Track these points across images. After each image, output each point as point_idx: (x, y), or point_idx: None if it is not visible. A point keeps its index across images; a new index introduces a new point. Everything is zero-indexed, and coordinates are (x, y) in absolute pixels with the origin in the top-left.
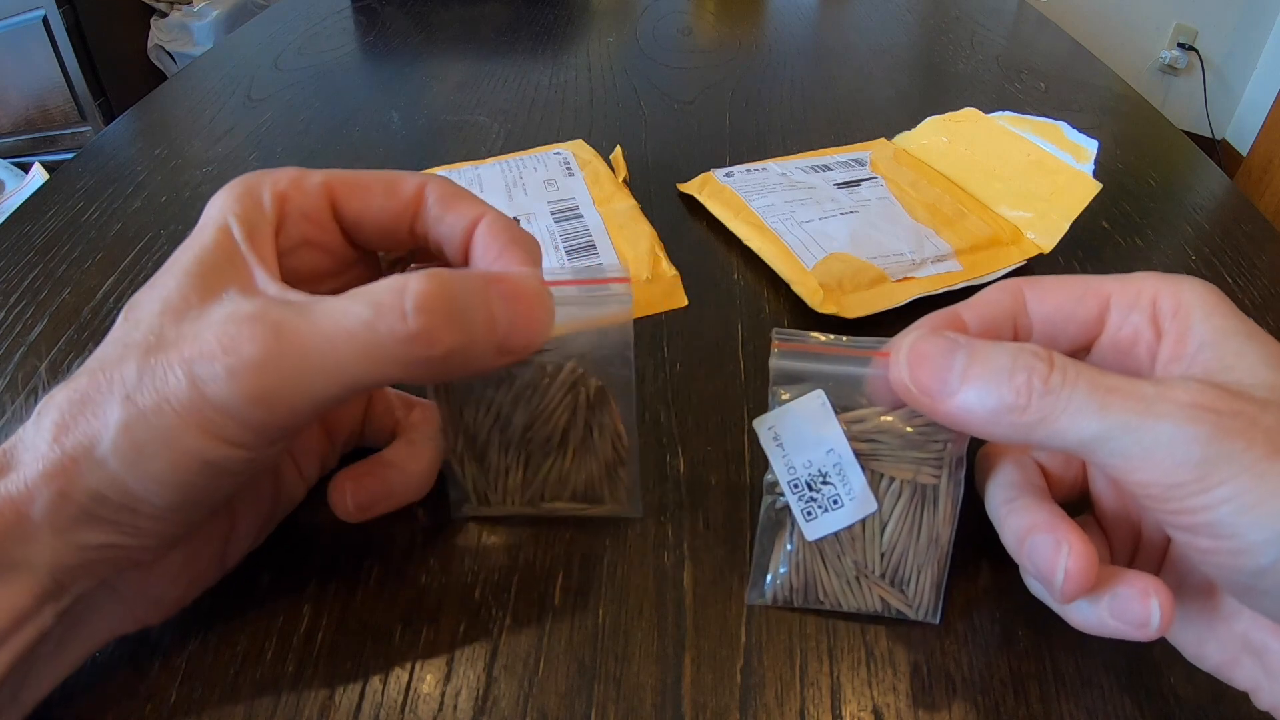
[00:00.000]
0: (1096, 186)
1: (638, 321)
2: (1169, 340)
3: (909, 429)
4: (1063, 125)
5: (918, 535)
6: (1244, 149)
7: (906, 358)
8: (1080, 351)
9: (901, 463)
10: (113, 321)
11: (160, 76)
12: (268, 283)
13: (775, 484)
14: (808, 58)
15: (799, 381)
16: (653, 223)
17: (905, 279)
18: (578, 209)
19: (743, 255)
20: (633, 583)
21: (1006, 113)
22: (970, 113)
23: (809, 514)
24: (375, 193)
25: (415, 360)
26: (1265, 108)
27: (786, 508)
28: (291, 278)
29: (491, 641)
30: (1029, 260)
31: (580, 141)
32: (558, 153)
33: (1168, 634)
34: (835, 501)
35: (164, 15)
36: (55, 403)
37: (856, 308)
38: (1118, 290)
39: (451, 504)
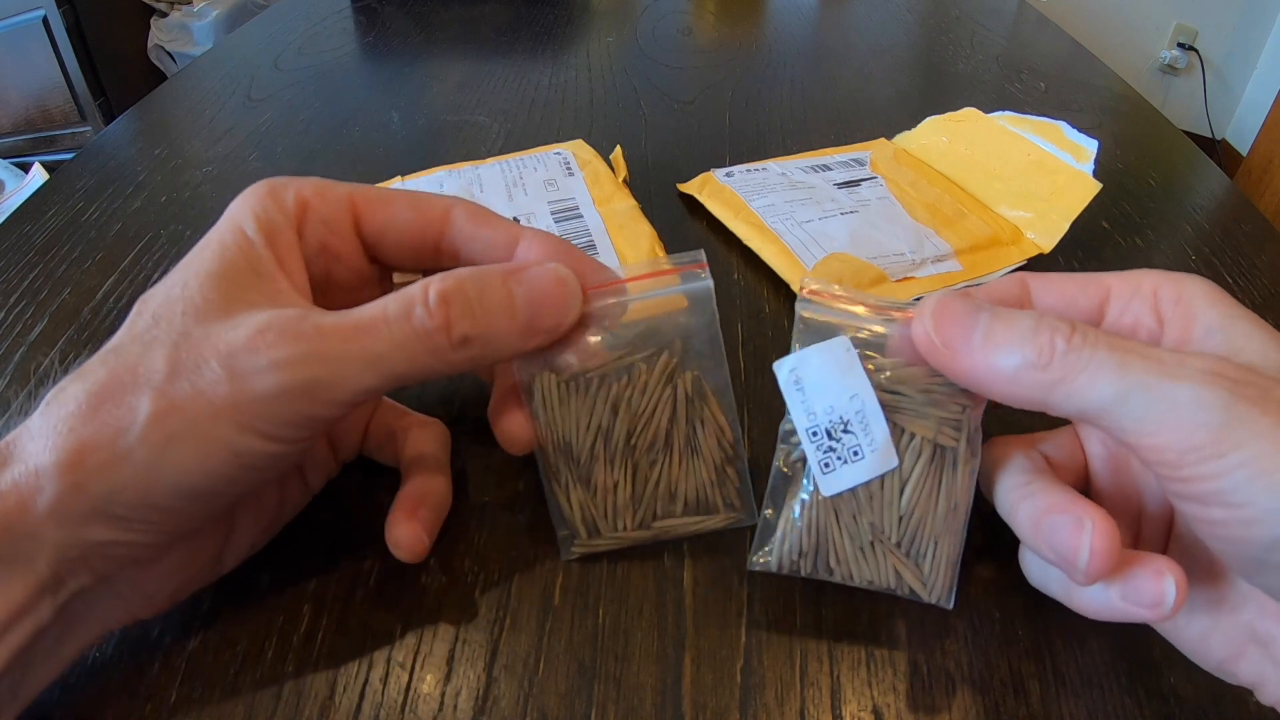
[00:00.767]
0: (1096, 186)
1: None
2: (1173, 327)
3: (931, 383)
4: (1063, 125)
5: (936, 501)
6: (1244, 149)
7: (932, 311)
8: None
9: (923, 419)
10: (113, 321)
11: (160, 76)
12: (294, 295)
13: (792, 432)
14: (808, 58)
15: (823, 329)
16: (653, 223)
17: (905, 279)
18: (578, 209)
19: (743, 255)
20: (633, 583)
21: (1006, 113)
22: (970, 113)
23: (827, 465)
24: (400, 206)
25: (443, 347)
26: (1265, 108)
27: (802, 460)
28: (309, 284)
29: (491, 641)
30: (1029, 260)
31: (580, 141)
32: (558, 153)
33: (1170, 632)
34: (855, 453)
35: (164, 15)
36: (69, 394)
37: None
38: (1118, 283)
39: (560, 544)
